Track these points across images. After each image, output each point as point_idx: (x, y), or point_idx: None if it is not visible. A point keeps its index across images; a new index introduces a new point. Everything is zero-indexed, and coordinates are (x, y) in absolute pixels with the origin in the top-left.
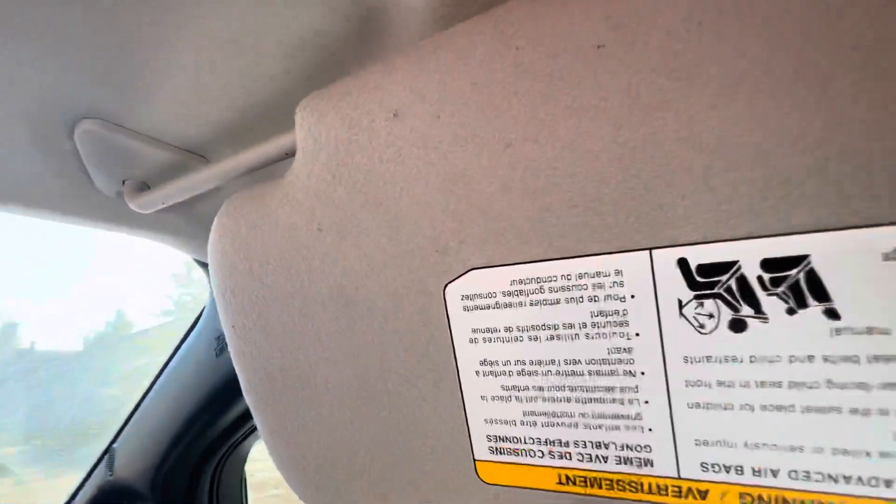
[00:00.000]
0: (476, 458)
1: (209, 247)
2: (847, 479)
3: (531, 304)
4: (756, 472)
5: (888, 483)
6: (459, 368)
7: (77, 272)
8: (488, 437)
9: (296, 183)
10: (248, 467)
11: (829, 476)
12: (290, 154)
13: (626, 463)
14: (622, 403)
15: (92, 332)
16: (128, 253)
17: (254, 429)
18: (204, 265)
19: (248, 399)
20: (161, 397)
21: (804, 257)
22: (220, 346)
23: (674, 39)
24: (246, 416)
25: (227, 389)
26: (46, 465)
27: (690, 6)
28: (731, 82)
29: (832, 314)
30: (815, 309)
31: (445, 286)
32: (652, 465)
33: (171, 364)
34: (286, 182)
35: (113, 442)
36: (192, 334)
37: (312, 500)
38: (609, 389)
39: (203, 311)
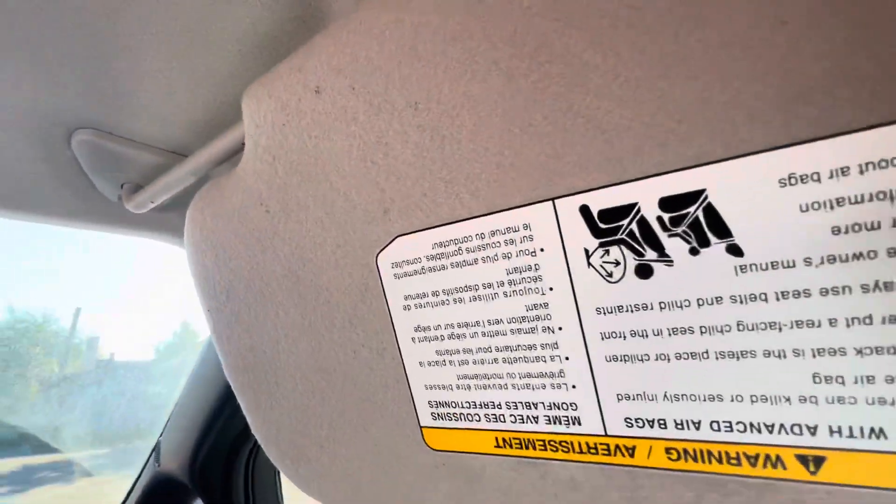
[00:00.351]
0: (421, 424)
1: (184, 237)
2: (769, 427)
3: (452, 267)
4: (679, 426)
5: (812, 430)
6: (398, 336)
7: (145, 285)
8: (430, 402)
9: (246, 168)
10: None
11: (752, 425)
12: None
13: (555, 422)
14: (545, 361)
15: (162, 343)
16: (183, 263)
17: None
18: None
19: (231, 381)
20: (192, 390)
21: (700, 192)
22: None
23: None
24: None
25: None
26: (112, 459)
27: None
28: (609, 19)
29: (735, 250)
30: (717, 247)
31: (377, 255)
32: (579, 424)
33: (199, 356)
34: (239, 169)
35: (160, 436)
36: None
37: (289, 471)
38: (531, 347)
39: None
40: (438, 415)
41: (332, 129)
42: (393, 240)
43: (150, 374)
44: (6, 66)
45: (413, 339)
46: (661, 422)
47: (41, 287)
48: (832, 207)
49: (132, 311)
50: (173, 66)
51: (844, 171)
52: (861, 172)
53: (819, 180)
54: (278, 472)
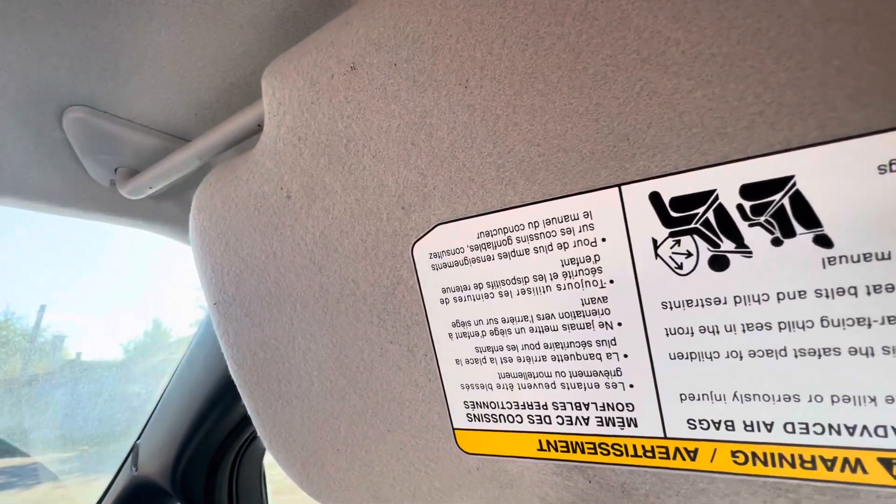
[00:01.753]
0: (455, 426)
1: (190, 224)
2: (850, 429)
3: (499, 258)
4: (748, 427)
5: None
6: (432, 332)
7: (115, 283)
8: (465, 403)
9: (264, 151)
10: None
11: (831, 427)
12: (261, 125)
13: (608, 424)
14: (600, 359)
15: (131, 341)
16: (163, 262)
17: None
18: None
19: (236, 379)
20: (176, 392)
21: (788, 179)
22: None
23: None
24: None
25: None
26: (81, 463)
27: None
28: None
29: (823, 241)
30: (803, 237)
31: (413, 245)
32: (636, 425)
33: (184, 357)
34: (256, 151)
35: (138, 438)
36: (203, 324)
37: (299, 476)
38: (585, 344)
39: None
40: (475, 416)
41: (369, 109)
42: (433, 228)
43: (128, 374)
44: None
45: (450, 334)
46: (729, 423)
47: (3, 283)
48: None
49: (101, 309)
50: (182, 41)
51: None
52: None
53: None
54: (264, 478)
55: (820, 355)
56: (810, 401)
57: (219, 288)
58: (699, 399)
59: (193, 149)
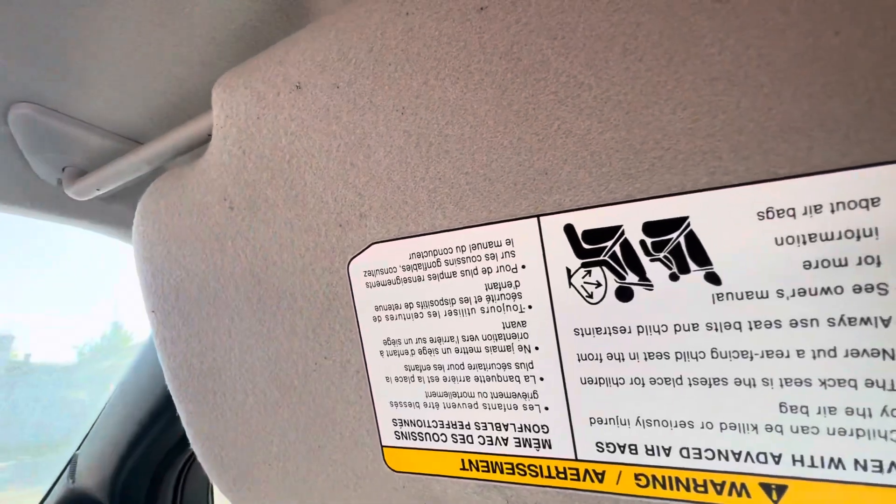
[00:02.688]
0: (383, 444)
1: (133, 230)
2: (736, 455)
3: (429, 279)
4: (650, 451)
5: (776, 458)
6: (365, 349)
7: (74, 283)
8: (394, 420)
9: (210, 161)
10: None
11: (720, 453)
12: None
13: (525, 445)
14: (519, 381)
15: (88, 344)
16: (129, 263)
17: None
18: None
19: (172, 389)
20: (120, 401)
21: (683, 219)
22: None
23: None
24: None
25: None
26: (13, 473)
27: None
28: (605, 42)
29: (713, 279)
30: (696, 274)
31: (349, 262)
32: (550, 447)
33: (131, 365)
34: (203, 161)
35: (78, 449)
36: (150, 334)
37: (230, 490)
38: (505, 366)
39: None
40: (402, 434)
41: (311, 127)
42: (368, 246)
43: (71, 380)
44: None
45: (381, 352)
46: (633, 447)
47: None
48: (805, 242)
49: (58, 309)
50: (138, 45)
51: (818, 208)
52: (832, 211)
53: (794, 216)
54: (212, 494)
55: (710, 385)
56: (702, 427)
57: (158, 295)
58: (607, 423)
59: (143, 153)
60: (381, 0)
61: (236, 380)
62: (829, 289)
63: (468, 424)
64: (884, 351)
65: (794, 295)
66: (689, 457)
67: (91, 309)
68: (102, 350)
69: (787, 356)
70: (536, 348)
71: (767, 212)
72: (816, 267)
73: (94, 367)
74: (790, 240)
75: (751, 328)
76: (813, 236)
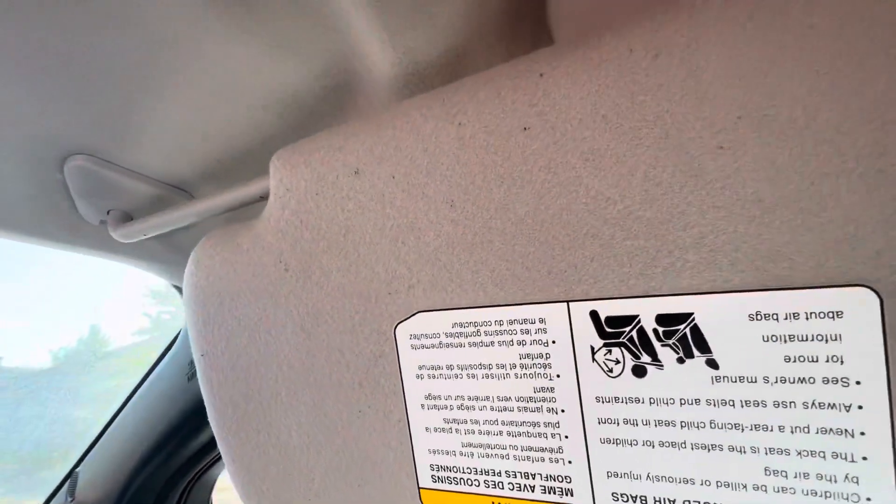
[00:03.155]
0: (420, 486)
1: (185, 280)
2: None
3: (469, 346)
4: (657, 502)
5: None
6: (407, 401)
7: (49, 284)
8: (431, 466)
9: (267, 225)
10: (217, 496)
11: None
12: (264, 197)
13: (549, 492)
14: (546, 437)
15: (63, 349)
16: (104, 266)
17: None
18: (180, 290)
19: (213, 424)
20: (129, 420)
21: (689, 315)
22: (192, 371)
23: (584, 127)
24: (214, 442)
25: (196, 415)
26: (6, 488)
27: (595, 102)
28: (628, 167)
29: (712, 364)
30: (699, 359)
31: (396, 325)
32: (571, 495)
33: (142, 387)
34: (259, 223)
35: (76, 465)
36: (167, 357)
37: None
38: (535, 424)
39: (178, 335)
40: (439, 478)
41: (367, 208)
42: (414, 314)
43: (42, 389)
44: (9, 83)
45: (422, 405)
46: (643, 498)
47: None
48: (785, 342)
49: (32, 310)
50: (192, 109)
51: (796, 316)
52: (807, 319)
53: (777, 320)
54: None
55: (709, 450)
56: (701, 484)
57: (208, 341)
58: (622, 477)
59: (196, 207)
60: (435, 107)
61: (281, 421)
62: (804, 378)
63: (500, 472)
64: (846, 430)
65: (777, 382)
66: None
67: (68, 311)
68: (77, 355)
69: (771, 430)
70: (563, 411)
71: (757, 315)
72: (794, 361)
73: (69, 374)
74: (774, 338)
75: (742, 406)
76: (792, 337)
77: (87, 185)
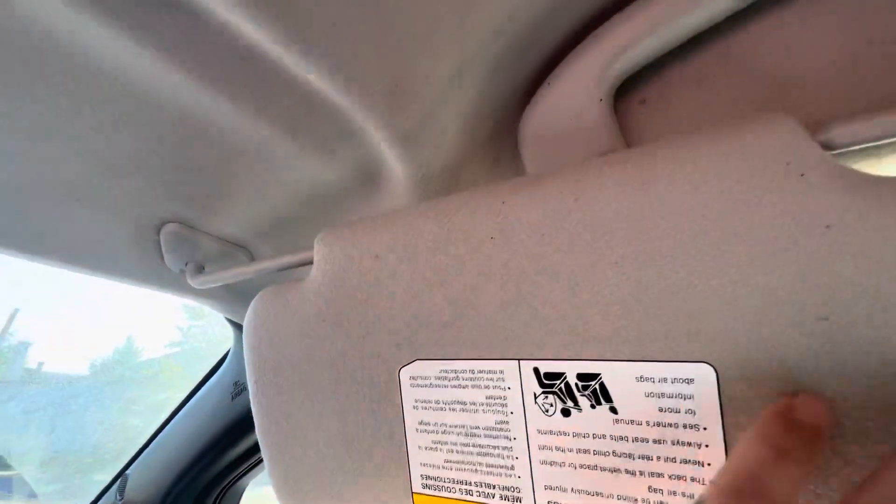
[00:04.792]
0: (413, 490)
1: (245, 323)
2: None
3: (451, 387)
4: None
5: None
6: (406, 426)
7: (90, 294)
8: (422, 475)
9: (310, 287)
10: None
11: None
12: (308, 263)
13: (505, 500)
14: (503, 458)
15: (99, 357)
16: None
17: (252, 466)
18: (233, 324)
19: (260, 438)
20: (178, 430)
21: (598, 374)
22: (236, 392)
23: (530, 241)
24: (247, 454)
25: (236, 429)
26: (64, 486)
27: (537, 224)
28: (561, 271)
29: (613, 410)
30: (605, 406)
31: (400, 369)
32: (521, 502)
33: (191, 401)
34: (304, 285)
35: (126, 468)
36: (214, 377)
37: None
38: (495, 447)
39: (223, 358)
40: (427, 485)
41: (383, 283)
42: (413, 361)
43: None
44: (124, 175)
45: (417, 429)
46: None
47: None
48: (659, 397)
49: (73, 318)
50: (254, 191)
51: (664, 380)
52: (672, 382)
53: (654, 382)
54: None
55: (612, 472)
56: (607, 497)
57: (261, 371)
58: (555, 489)
59: (256, 267)
60: (431, 214)
61: (313, 437)
62: (671, 424)
63: (470, 482)
64: (699, 462)
65: (655, 425)
66: None
67: (106, 320)
68: (112, 364)
69: (651, 459)
70: (515, 438)
71: (641, 377)
72: (665, 411)
73: (104, 381)
74: (652, 395)
75: (633, 441)
76: (662, 395)
77: (174, 244)
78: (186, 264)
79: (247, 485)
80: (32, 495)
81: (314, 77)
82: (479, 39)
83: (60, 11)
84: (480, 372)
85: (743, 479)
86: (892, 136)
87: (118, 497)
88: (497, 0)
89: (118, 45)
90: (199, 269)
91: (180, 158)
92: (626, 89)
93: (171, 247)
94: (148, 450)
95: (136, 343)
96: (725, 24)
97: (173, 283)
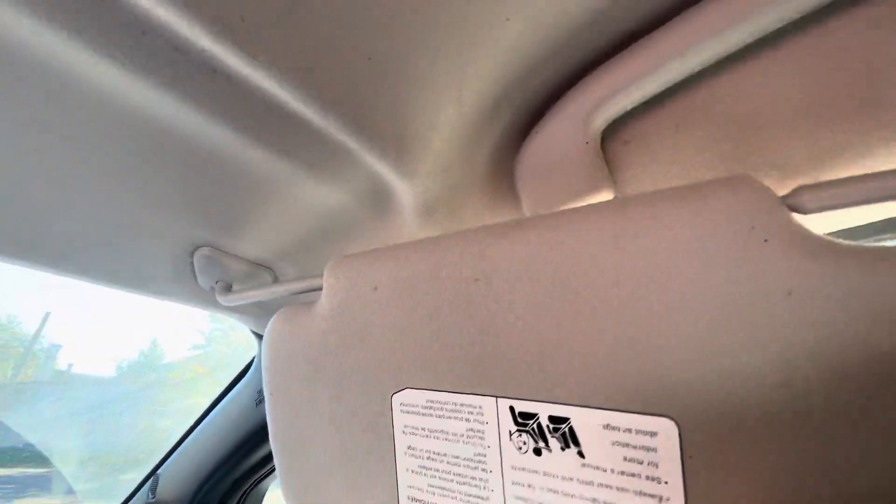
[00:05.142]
0: None
1: (263, 342)
2: None
3: (436, 417)
4: None
5: None
6: (396, 448)
7: (115, 299)
8: (408, 496)
9: (318, 312)
10: None
11: None
12: (318, 289)
13: None
14: (480, 489)
15: (125, 360)
16: None
17: (273, 469)
18: (258, 335)
19: (272, 444)
20: (206, 433)
21: (567, 419)
22: (260, 398)
23: (508, 284)
24: (269, 457)
25: (259, 434)
26: (100, 485)
27: (514, 266)
28: (539, 316)
29: (581, 454)
30: (573, 449)
31: (392, 395)
32: None
33: (218, 406)
34: (314, 308)
35: (157, 468)
36: (239, 384)
37: (300, 500)
38: (473, 478)
39: (248, 365)
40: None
41: (380, 313)
42: (403, 389)
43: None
44: (161, 202)
45: (405, 452)
46: None
47: (15, 285)
48: (624, 446)
49: (100, 321)
50: (274, 216)
51: (629, 430)
52: (635, 433)
53: (620, 431)
54: None
55: None
56: None
57: (276, 384)
58: None
59: (275, 290)
60: (424, 253)
61: (319, 449)
62: (635, 473)
63: None
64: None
65: (620, 473)
66: None
67: (131, 323)
68: (139, 367)
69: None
70: (491, 471)
71: (607, 425)
72: (629, 461)
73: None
74: (617, 443)
75: (598, 486)
76: (627, 444)
77: (206, 265)
78: (217, 283)
79: (269, 486)
80: (70, 492)
81: (332, 127)
82: (476, 90)
83: (101, 64)
84: (462, 405)
85: None
86: (864, 203)
87: (150, 496)
88: (492, 53)
89: (163, 101)
90: (228, 288)
91: (211, 190)
92: (612, 131)
93: (202, 268)
94: (178, 451)
95: (160, 346)
96: (699, 75)
97: (204, 299)
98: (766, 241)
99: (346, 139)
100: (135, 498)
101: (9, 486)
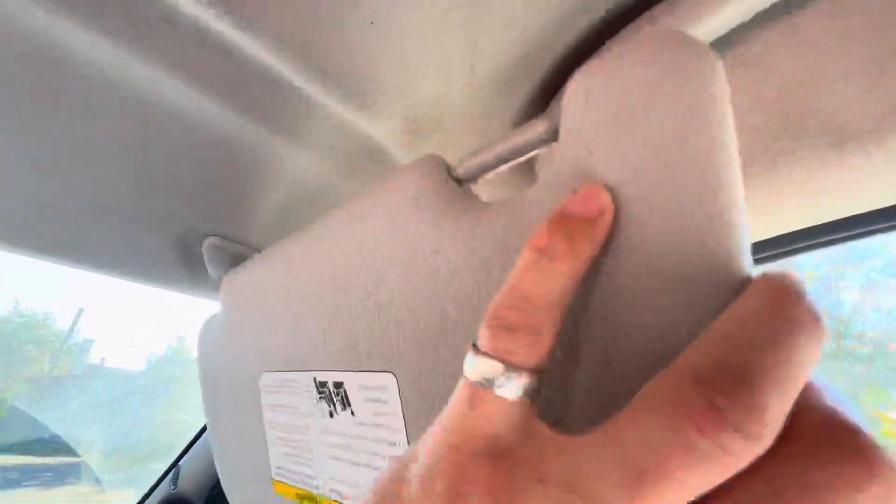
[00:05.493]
0: (272, 478)
1: (197, 345)
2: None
3: (285, 393)
4: (332, 481)
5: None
6: (266, 426)
7: (146, 295)
8: (275, 466)
9: (218, 318)
10: None
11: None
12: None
13: (310, 487)
14: (307, 451)
15: (154, 354)
16: None
17: None
18: None
19: (209, 436)
20: None
21: (342, 383)
22: None
23: (309, 275)
24: None
25: None
26: (125, 475)
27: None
28: (320, 306)
29: (353, 413)
30: (348, 409)
31: (259, 378)
32: (318, 489)
33: None
34: (217, 316)
35: (178, 460)
36: None
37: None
38: (302, 442)
39: None
40: (278, 473)
41: (252, 312)
42: (264, 372)
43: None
44: (170, 193)
45: (269, 426)
46: (345, 484)
47: (51, 283)
48: (368, 400)
49: (131, 316)
50: (285, 205)
51: (369, 387)
52: (375, 388)
53: (367, 388)
54: None
55: (354, 464)
56: (349, 474)
57: (205, 383)
58: (334, 480)
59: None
60: (277, 265)
61: (230, 435)
62: (379, 421)
63: (294, 472)
64: (392, 443)
65: (371, 425)
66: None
67: (160, 319)
68: (166, 361)
69: (370, 441)
70: (311, 435)
71: (362, 386)
72: (376, 413)
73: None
74: (366, 400)
75: (362, 436)
76: (370, 399)
77: (215, 255)
78: (227, 273)
79: None
80: (98, 481)
81: (342, 108)
82: (490, 57)
83: (107, 50)
84: (294, 381)
85: (507, 289)
86: (506, 162)
87: (172, 486)
88: (506, 18)
89: (168, 84)
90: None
91: (217, 177)
92: None
93: (212, 258)
94: (197, 443)
95: (186, 341)
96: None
97: (214, 291)
98: (421, 210)
99: (358, 123)
100: (157, 489)
101: (48, 473)
